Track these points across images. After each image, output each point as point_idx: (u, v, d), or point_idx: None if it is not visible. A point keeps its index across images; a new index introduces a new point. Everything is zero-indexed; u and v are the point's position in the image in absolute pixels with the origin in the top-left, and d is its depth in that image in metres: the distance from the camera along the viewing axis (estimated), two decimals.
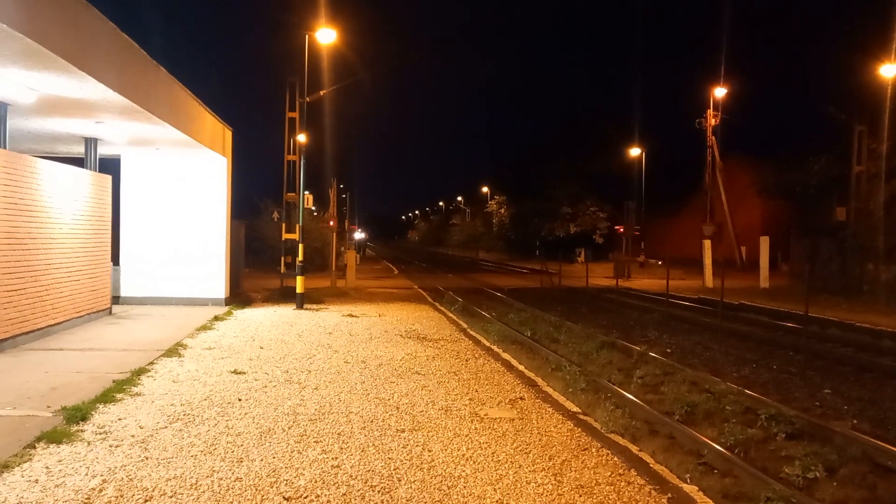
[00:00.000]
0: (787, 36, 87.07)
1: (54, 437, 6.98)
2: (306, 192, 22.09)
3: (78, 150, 16.81)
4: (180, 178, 19.50)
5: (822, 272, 27.27)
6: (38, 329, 12.78)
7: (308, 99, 20.86)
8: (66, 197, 14.08)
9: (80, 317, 14.81)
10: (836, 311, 21.16)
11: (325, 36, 20.24)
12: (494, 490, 5.93)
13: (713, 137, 43.32)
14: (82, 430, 7.30)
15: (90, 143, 15.98)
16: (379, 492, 5.82)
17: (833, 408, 9.86)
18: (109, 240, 16.76)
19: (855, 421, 9.00)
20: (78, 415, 7.74)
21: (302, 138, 22.61)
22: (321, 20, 19.83)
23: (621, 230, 47.36)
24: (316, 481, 6.01)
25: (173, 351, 12.08)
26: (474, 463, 6.58)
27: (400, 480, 6.08)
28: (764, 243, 31.26)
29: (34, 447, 6.70)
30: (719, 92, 42.30)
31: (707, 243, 34.33)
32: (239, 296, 21.53)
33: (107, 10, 10.77)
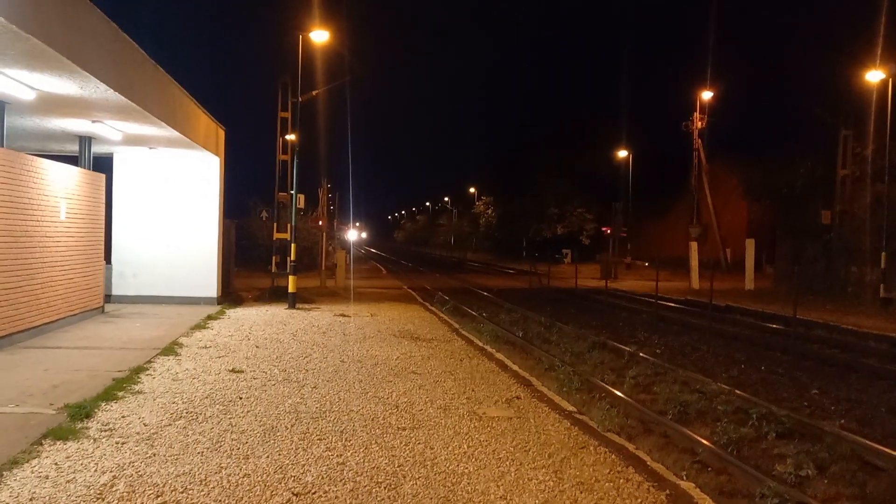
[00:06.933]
0: (775, 39, 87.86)
1: (60, 433, 7.07)
2: (299, 193, 22.14)
3: (71, 147, 16.80)
4: (173, 177, 19.51)
5: (806, 274, 27.62)
6: (34, 327, 12.80)
7: (301, 99, 20.90)
8: (62, 195, 14.10)
9: (74, 315, 14.83)
10: (821, 313, 21.50)
11: (319, 36, 20.34)
12: (497, 486, 6.08)
13: (699, 140, 43.79)
14: (87, 428, 7.38)
15: (84, 141, 15.97)
16: (385, 488, 5.96)
17: (821, 407, 10.08)
18: (103, 238, 16.77)
19: (843, 420, 9.23)
20: (82, 412, 7.82)
21: (293, 138, 22.66)
22: (315, 20, 19.91)
23: (608, 231, 47.68)
24: (323, 477, 6.14)
25: (170, 349, 12.14)
26: (476, 460, 6.73)
27: (405, 477, 6.22)
28: (750, 245, 31.62)
29: (41, 444, 6.78)
30: (706, 95, 42.84)
31: (694, 245, 34.70)
32: (230, 295, 21.56)
33: (100, 9, 10.82)
